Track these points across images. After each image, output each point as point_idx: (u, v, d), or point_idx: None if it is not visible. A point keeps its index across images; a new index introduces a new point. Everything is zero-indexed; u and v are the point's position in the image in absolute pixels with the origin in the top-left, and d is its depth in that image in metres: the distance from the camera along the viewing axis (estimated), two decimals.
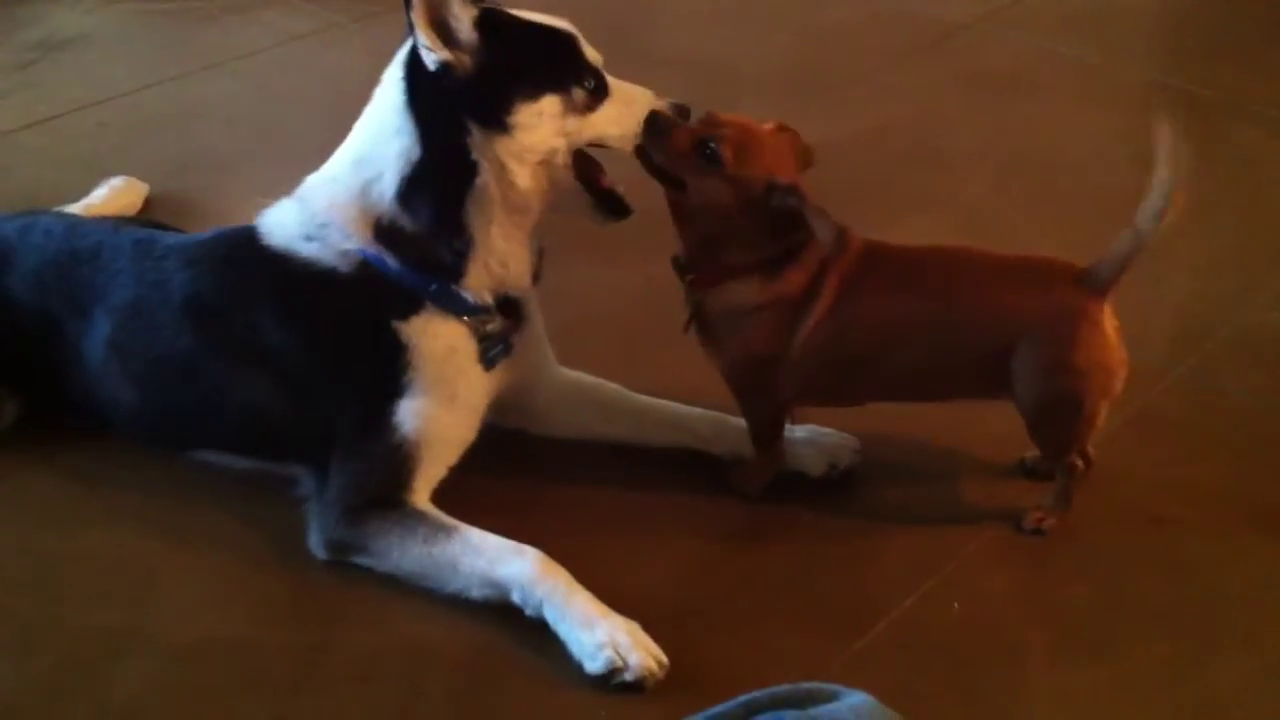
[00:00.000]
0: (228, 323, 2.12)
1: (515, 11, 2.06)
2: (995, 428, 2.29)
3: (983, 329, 2.03)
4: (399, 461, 2.05)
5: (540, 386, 2.30)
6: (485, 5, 2.02)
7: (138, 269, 2.20)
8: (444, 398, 2.07)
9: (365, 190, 2.04)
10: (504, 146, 2.00)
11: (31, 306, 2.25)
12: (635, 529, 2.18)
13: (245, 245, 2.13)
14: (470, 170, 2.00)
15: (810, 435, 2.27)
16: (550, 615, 1.92)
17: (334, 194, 2.08)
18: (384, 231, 2.04)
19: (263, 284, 2.10)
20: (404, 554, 2.02)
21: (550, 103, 2.02)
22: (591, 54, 2.08)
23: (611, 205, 2.15)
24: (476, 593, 1.98)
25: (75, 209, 2.79)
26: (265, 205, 2.16)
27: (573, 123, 2.05)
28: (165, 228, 2.47)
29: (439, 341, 2.07)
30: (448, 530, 2.01)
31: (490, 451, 2.17)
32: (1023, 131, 3.42)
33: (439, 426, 2.07)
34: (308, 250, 2.07)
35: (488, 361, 2.11)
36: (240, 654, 1.94)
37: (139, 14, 4.16)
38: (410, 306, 2.05)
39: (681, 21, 4.13)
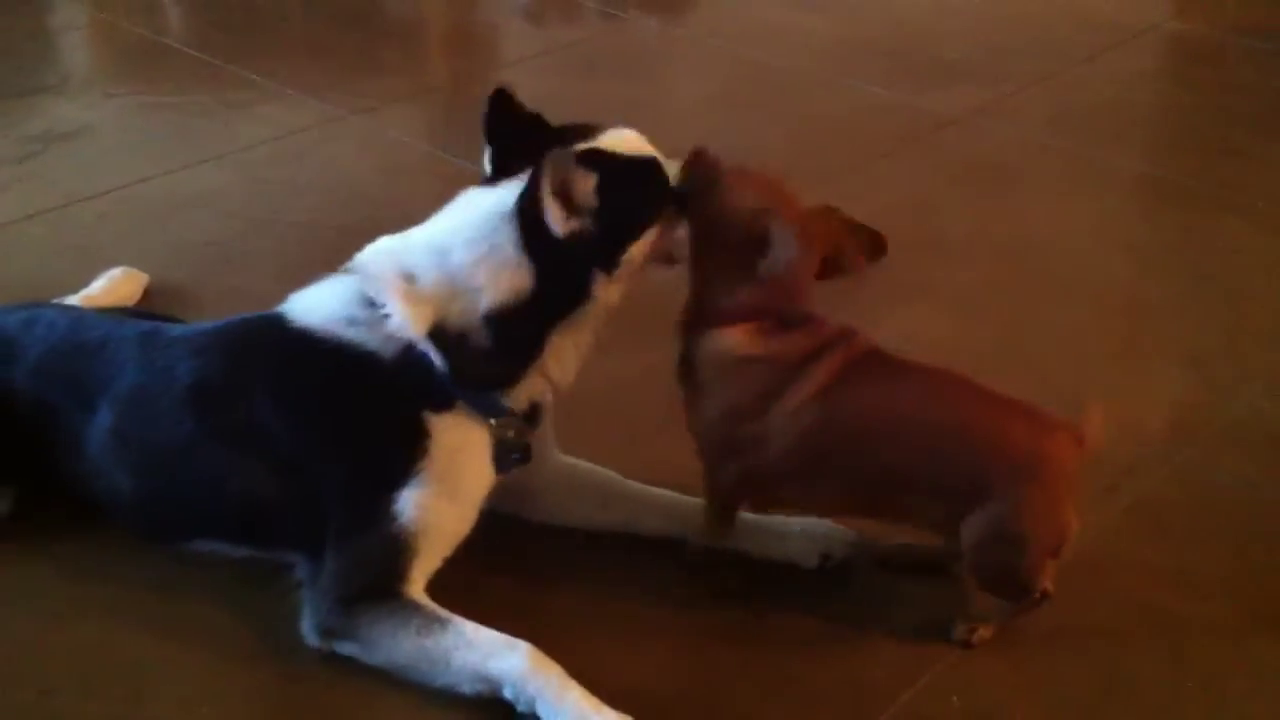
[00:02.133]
0: (232, 407, 2.11)
1: (605, 146, 2.08)
2: None
3: (956, 456, 1.98)
4: (396, 551, 2.03)
5: (540, 474, 2.29)
6: (589, 150, 2.04)
7: (144, 359, 2.21)
8: (448, 491, 2.06)
9: (449, 298, 2.04)
10: (620, 279, 2.07)
11: (32, 398, 2.26)
12: (629, 620, 2.16)
13: (266, 329, 2.13)
14: (581, 304, 2.06)
15: (804, 527, 2.26)
16: (543, 712, 1.90)
17: (406, 284, 2.06)
18: (446, 337, 2.03)
19: (279, 366, 2.10)
20: (396, 646, 2.00)
21: (653, 232, 2.09)
22: (669, 167, 2.14)
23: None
24: (468, 687, 1.96)
25: (74, 299, 2.81)
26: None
27: (667, 241, 2.13)
28: (167, 319, 2.49)
29: (460, 438, 2.07)
30: (441, 622, 1.99)
31: (483, 541, 2.15)
32: (1015, 221, 3.45)
33: (439, 518, 2.06)
34: (348, 333, 2.06)
35: (503, 467, 2.12)
36: None
37: (140, 107, 4.21)
38: (444, 402, 2.05)
39: (679, 114, 4.17)
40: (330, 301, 2.10)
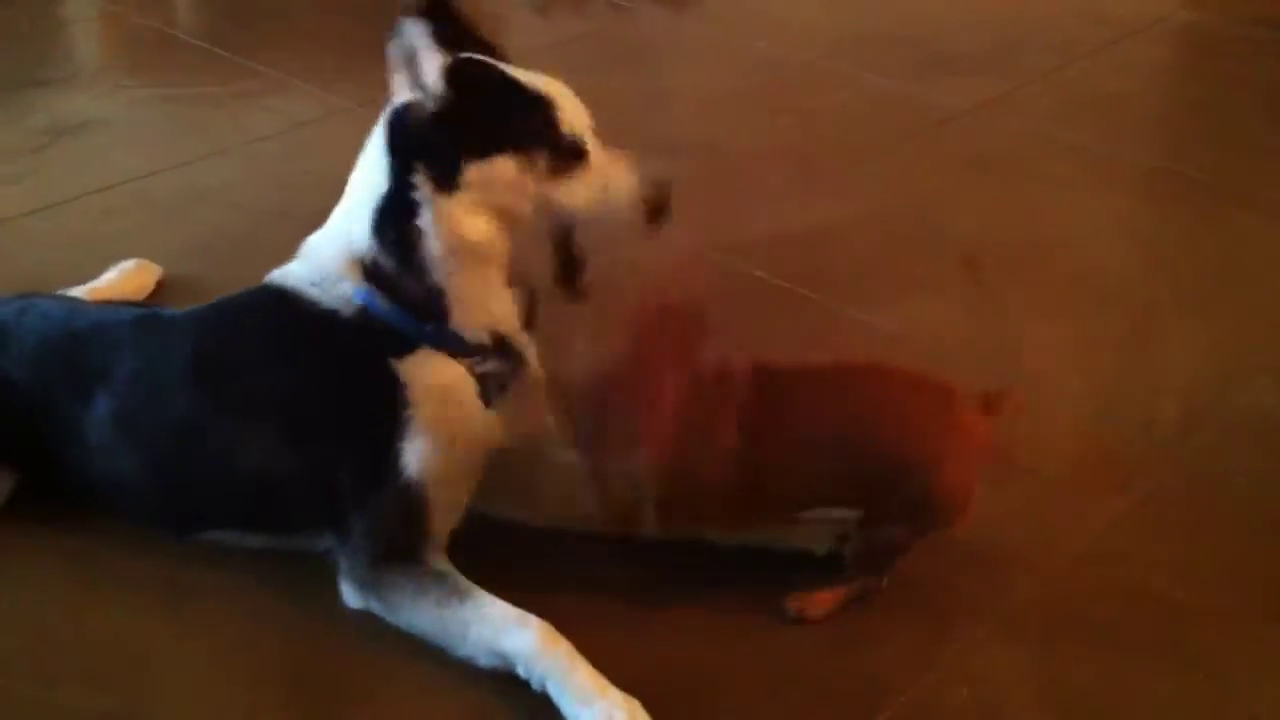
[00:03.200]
0: (233, 374, 2.13)
1: (505, 68, 2.05)
2: (995, 507, 2.30)
3: (866, 447, 2.00)
4: (410, 504, 2.04)
5: (543, 472, 2.28)
6: (471, 56, 2.02)
7: (141, 342, 2.22)
8: (446, 436, 2.05)
9: (350, 231, 2.07)
10: (453, 198, 2.00)
11: (28, 387, 2.26)
12: (632, 613, 2.15)
13: (252, 296, 2.17)
14: (415, 212, 2.01)
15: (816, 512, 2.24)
16: (552, 690, 1.91)
17: (330, 241, 2.11)
18: (370, 272, 2.05)
19: (269, 328, 2.12)
20: (416, 613, 2.02)
21: (503, 164, 2.00)
22: (574, 119, 2.06)
23: (567, 281, 2.14)
24: (485, 662, 1.97)
25: (80, 291, 2.81)
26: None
27: (533, 186, 2.03)
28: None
29: (436, 379, 2.07)
30: (460, 594, 2.00)
31: (484, 535, 2.16)
32: (1022, 215, 3.45)
33: (444, 466, 2.06)
34: (312, 293, 2.08)
35: (488, 399, 2.11)
36: None
37: (149, 100, 4.21)
38: (405, 346, 2.06)
39: (686, 107, 4.17)
40: (299, 270, 2.13)
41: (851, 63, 4.39)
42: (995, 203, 3.52)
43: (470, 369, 2.09)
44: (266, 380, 2.10)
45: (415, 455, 2.04)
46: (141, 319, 2.29)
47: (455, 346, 2.08)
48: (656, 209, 2.11)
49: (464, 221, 2.01)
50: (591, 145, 2.07)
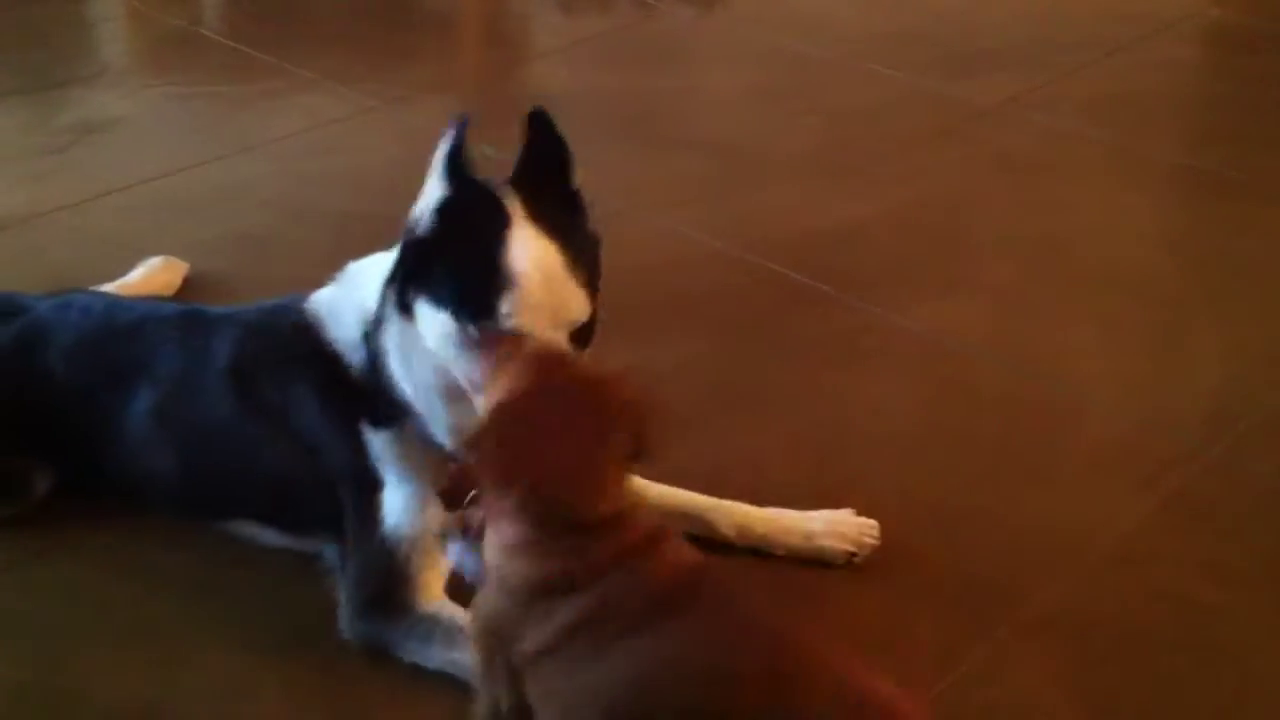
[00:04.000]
0: (262, 386, 2.13)
1: (508, 219, 1.83)
2: (1023, 507, 2.30)
3: None
4: (392, 557, 2.03)
5: None
6: (478, 192, 1.86)
7: (183, 340, 2.23)
8: (420, 496, 2.03)
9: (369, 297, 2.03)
10: (403, 330, 1.93)
11: (67, 382, 2.27)
12: None
13: (288, 315, 2.14)
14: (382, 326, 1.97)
15: (829, 521, 2.24)
16: None
17: (358, 292, 2.06)
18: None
19: (294, 354, 2.11)
20: (426, 657, 2.01)
21: (440, 319, 1.84)
22: (531, 315, 1.78)
23: None
24: None
25: (111, 288, 2.83)
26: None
27: (462, 356, 1.84)
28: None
29: (407, 454, 2.04)
30: (465, 633, 1.94)
31: None
32: (1050, 213, 3.43)
33: (426, 524, 2.04)
34: (333, 334, 2.07)
35: (449, 504, 2.01)
36: None
37: (175, 98, 4.24)
38: (385, 418, 2.02)
39: (712, 104, 4.17)
40: (328, 299, 2.11)
41: (879, 60, 4.38)
42: (1023, 200, 3.51)
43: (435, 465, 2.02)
44: (289, 401, 2.11)
45: (393, 508, 2.04)
46: (186, 316, 2.30)
47: (429, 441, 2.01)
48: None
49: (410, 351, 1.94)
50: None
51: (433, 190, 1.85)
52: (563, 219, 1.89)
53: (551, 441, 1.53)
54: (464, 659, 1.91)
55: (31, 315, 2.37)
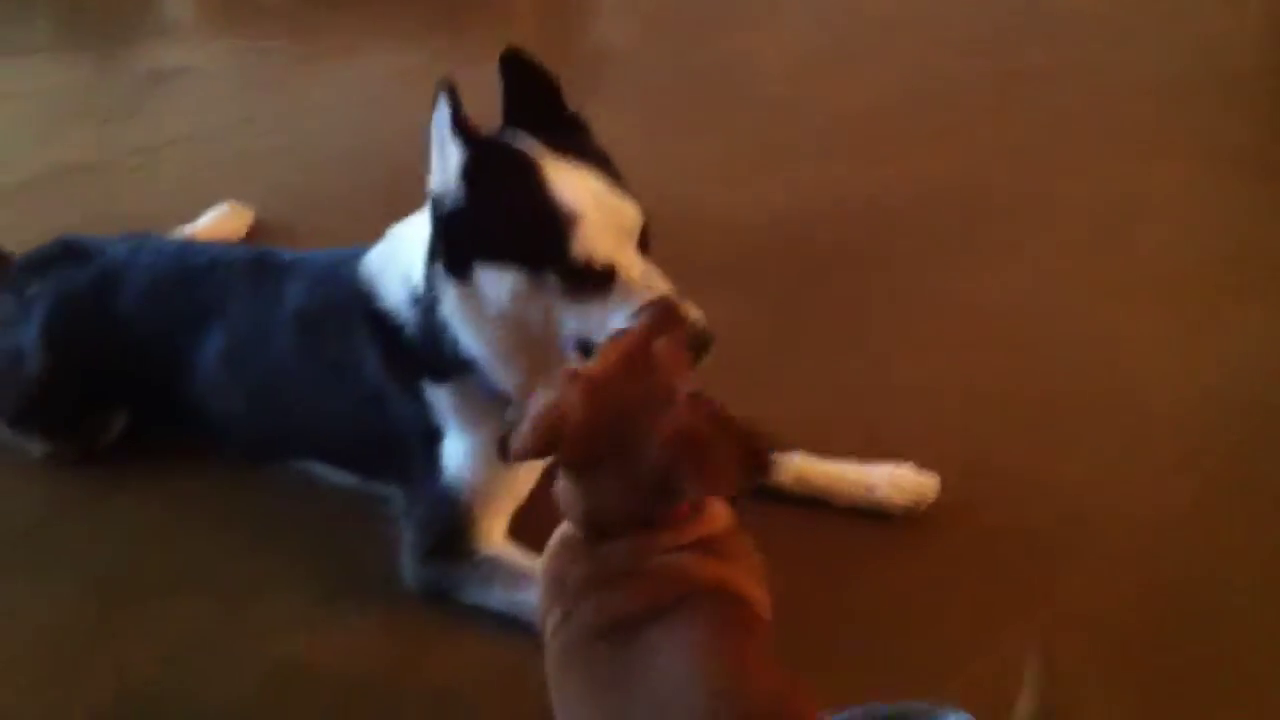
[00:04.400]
0: (327, 338, 2.16)
1: (539, 165, 1.85)
2: (1062, 484, 2.31)
3: None
4: (454, 505, 2.06)
5: None
6: (499, 149, 1.87)
7: (254, 284, 2.26)
8: (483, 446, 2.04)
9: (412, 265, 2.04)
10: (464, 296, 1.92)
11: (142, 323, 2.32)
12: None
13: (349, 269, 2.15)
14: (442, 294, 1.95)
15: (889, 475, 2.25)
16: None
17: (402, 254, 2.07)
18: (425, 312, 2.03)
19: (355, 309, 2.13)
20: (489, 598, 2.05)
21: (512, 277, 1.86)
22: (598, 241, 1.82)
23: None
24: None
25: (183, 234, 2.89)
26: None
27: (544, 304, 1.87)
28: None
29: (472, 407, 2.05)
30: (529, 575, 1.95)
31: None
32: (1104, 183, 3.40)
33: (485, 472, 2.06)
34: (387, 292, 2.08)
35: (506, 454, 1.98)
36: (328, 672, 1.98)
37: (240, 52, 4.30)
38: (443, 374, 2.04)
39: (768, 68, 4.16)
40: (381, 258, 2.12)
41: (939, 26, 4.36)
42: (1077, 170, 3.49)
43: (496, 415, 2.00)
44: (352, 355, 2.13)
45: (454, 459, 2.06)
46: (257, 260, 2.33)
47: (488, 390, 2.02)
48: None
49: (478, 323, 1.94)
50: (624, 268, 1.85)
51: (449, 159, 1.84)
52: (577, 141, 1.92)
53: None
54: (526, 599, 1.94)
55: (106, 258, 2.41)
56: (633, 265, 1.85)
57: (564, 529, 1.57)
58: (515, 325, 1.92)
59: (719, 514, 1.57)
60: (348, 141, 3.63)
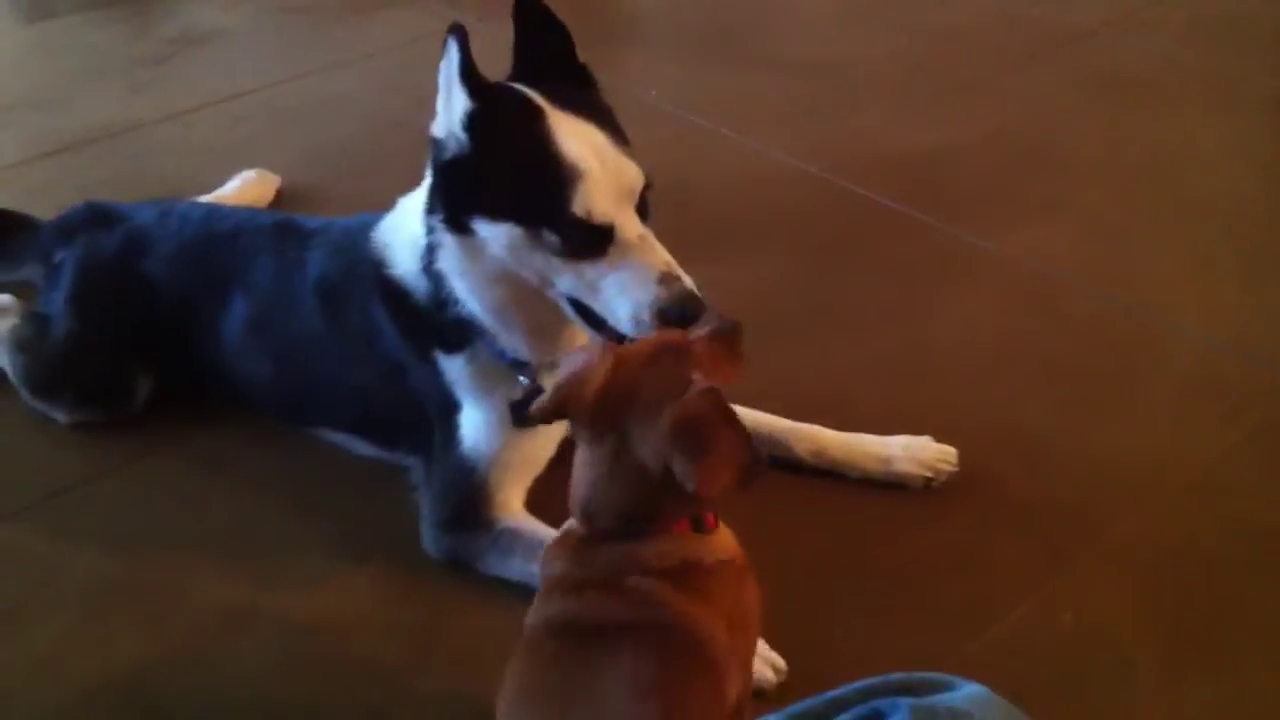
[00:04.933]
0: (348, 309, 2.15)
1: (544, 117, 1.82)
2: (1106, 436, 2.29)
3: None
4: (471, 476, 2.06)
5: None
6: (505, 99, 1.84)
7: (277, 250, 2.26)
8: (498, 415, 2.04)
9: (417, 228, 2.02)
10: (462, 247, 1.90)
11: (169, 288, 2.33)
12: (746, 528, 2.17)
13: (363, 240, 2.13)
14: (444, 247, 1.93)
15: (907, 446, 2.24)
16: None
17: (410, 220, 2.05)
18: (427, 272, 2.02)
19: (370, 279, 2.12)
20: (507, 569, 2.05)
21: (510, 232, 1.83)
22: (600, 200, 1.78)
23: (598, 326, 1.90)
24: None
25: (208, 199, 2.88)
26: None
27: (539, 262, 1.84)
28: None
29: (485, 374, 2.04)
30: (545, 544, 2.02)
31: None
32: (1146, 139, 3.38)
33: (501, 442, 2.06)
34: (397, 260, 2.06)
35: (517, 420, 1.99)
36: (355, 633, 2.00)
37: (272, 11, 4.28)
38: (456, 344, 2.02)
39: (804, 23, 4.14)
40: (391, 231, 2.10)
41: None
42: (1116, 125, 3.45)
43: (507, 383, 2.02)
44: (371, 325, 2.12)
45: (471, 429, 2.05)
46: (280, 228, 2.32)
47: (500, 357, 2.02)
48: (672, 324, 1.74)
49: (475, 274, 1.92)
50: (622, 229, 1.81)
51: (455, 105, 1.81)
52: (585, 96, 1.89)
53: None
54: None
55: (133, 223, 2.42)
56: (631, 226, 1.81)
57: (568, 524, 1.56)
58: (511, 282, 1.90)
59: (719, 544, 1.54)
60: (380, 102, 3.62)
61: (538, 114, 1.82)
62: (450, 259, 1.93)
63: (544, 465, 2.12)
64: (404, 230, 2.05)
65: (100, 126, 3.46)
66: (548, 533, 2.00)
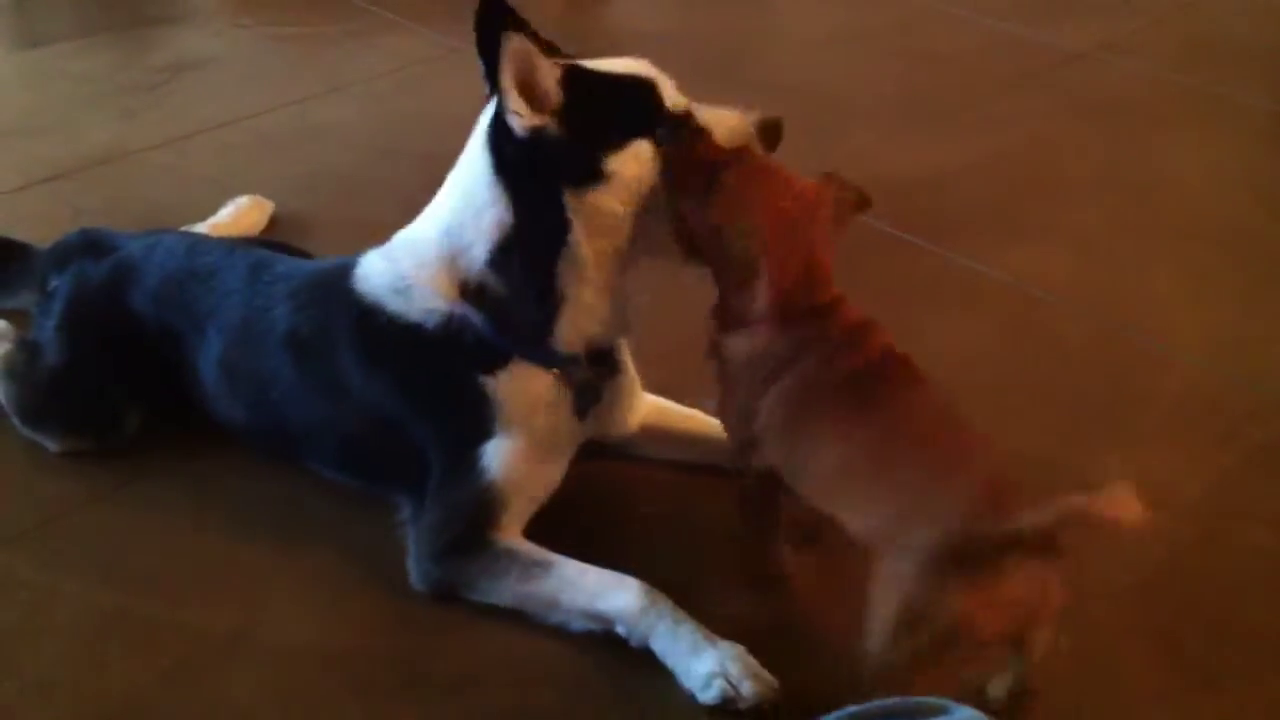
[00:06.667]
0: (323, 361, 2.16)
1: (591, 63, 2.02)
2: (1104, 457, 2.28)
3: (902, 478, 1.77)
4: (483, 505, 2.06)
5: (630, 428, 2.31)
6: (563, 61, 1.99)
7: (249, 293, 2.26)
8: (532, 445, 2.06)
9: (454, 258, 2.04)
10: (600, 197, 1.97)
11: (154, 321, 2.33)
12: (727, 556, 2.17)
13: (340, 288, 2.14)
14: (563, 230, 1.97)
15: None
16: (658, 647, 1.92)
17: (421, 257, 2.08)
18: (472, 292, 2.04)
19: (353, 330, 2.12)
20: (500, 593, 2.04)
21: (640, 147, 1.97)
22: (673, 95, 2.03)
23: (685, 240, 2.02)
24: (578, 625, 1.99)
25: (201, 228, 2.88)
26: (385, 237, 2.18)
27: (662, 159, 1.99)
28: (289, 248, 2.55)
29: (527, 393, 2.06)
30: (543, 566, 2.01)
31: (578, 479, 2.18)
32: (1140, 160, 3.39)
33: (526, 472, 2.07)
34: (395, 304, 2.08)
35: (580, 412, 2.11)
36: (347, 660, 1.99)
37: (264, 38, 4.28)
38: (497, 361, 2.05)
39: (796, 48, 4.15)
40: (381, 274, 2.11)
41: (967, 4, 4.33)
42: (1110, 148, 3.46)
43: (563, 379, 2.08)
44: (352, 377, 2.12)
45: (497, 459, 2.05)
46: (255, 267, 2.31)
47: (548, 360, 2.06)
48: (770, 133, 2.09)
49: (615, 216, 1.98)
50: (694, 108, 2.03)
51: (543, 78, 1.92)
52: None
53: (788, 238, 1.88)
54: (538, 592, 1.99)
55: (121, 254, 2.42)
56: (697, 106, 2.03)
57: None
58: (638, 220, 1.99)
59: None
60: (374, 128, 3.62)
61: (587, 65, 2.00)
62: (579, 227, 1.97)
63: (551, 490, 2.14)
64: (424, 255, 2.07)
65: (92, 154, 3.45)
66: (544, 555, 2.02)
